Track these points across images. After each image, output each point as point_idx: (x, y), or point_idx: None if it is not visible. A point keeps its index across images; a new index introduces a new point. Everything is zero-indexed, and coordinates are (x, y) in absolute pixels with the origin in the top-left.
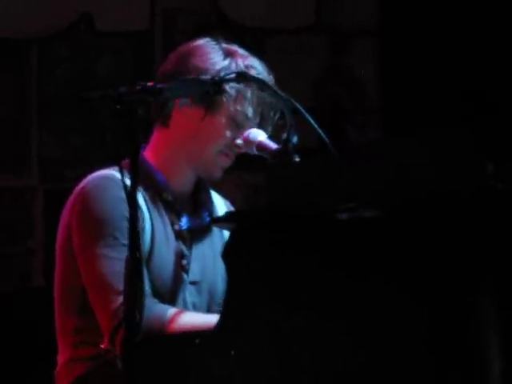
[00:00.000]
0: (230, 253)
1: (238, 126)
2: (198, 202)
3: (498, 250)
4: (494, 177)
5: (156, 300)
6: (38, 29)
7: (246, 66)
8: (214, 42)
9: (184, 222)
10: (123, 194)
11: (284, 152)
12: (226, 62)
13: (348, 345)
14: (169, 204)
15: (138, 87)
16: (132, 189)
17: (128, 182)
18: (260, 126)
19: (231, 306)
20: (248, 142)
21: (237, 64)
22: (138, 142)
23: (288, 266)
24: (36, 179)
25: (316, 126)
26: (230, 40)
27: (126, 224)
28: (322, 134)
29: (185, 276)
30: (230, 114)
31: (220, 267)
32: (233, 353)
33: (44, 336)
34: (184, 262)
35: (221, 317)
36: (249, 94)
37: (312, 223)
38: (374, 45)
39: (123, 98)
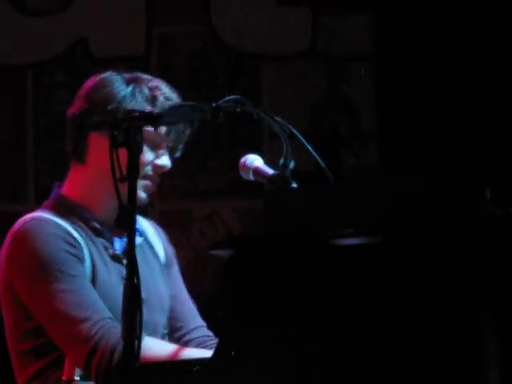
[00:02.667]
0: (228, 278)
1: (154, 146)
2: (124, 225)
3: (494, 276)
4: (493, 203)
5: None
6: (33, 54)
7: (151, 89)
8: (115, 74)
9: (117, 246)
10: (55, 230)
11: (281, 177)
12: (130, 88)
13: (346, 368)
14: (98, 232)
15: (135, 114)
16: (130, 215)
17: (59, 221)
18: (177, 142)
19: (229, 332)
20: (245, 167)
21: (140, 88)
22: (136, 167)
23: (285, 291)
24: (33, 205)
25: (312, 151)
26: (226, 65)
27: (67, 256)
28: (319, 158)
29: None
30: (144, 136)
31: (161, 283)
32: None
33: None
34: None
35: (219, 343)
36: None
37: (309, 249)
38: (370, 70)
39: (121, 124)
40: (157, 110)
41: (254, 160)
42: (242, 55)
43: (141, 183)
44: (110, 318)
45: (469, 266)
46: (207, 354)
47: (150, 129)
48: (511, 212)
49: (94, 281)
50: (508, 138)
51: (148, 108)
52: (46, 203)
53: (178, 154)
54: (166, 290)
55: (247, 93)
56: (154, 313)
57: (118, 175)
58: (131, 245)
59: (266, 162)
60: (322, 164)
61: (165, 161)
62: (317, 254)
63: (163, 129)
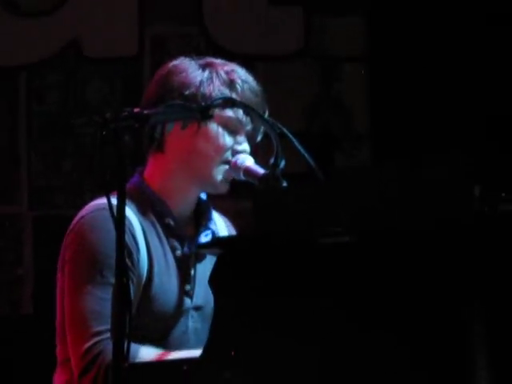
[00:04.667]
0: (216, 279)
1: (233, 131)
2: (199, 224)
3: (485, 273)
4: (482, 201)
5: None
6: (26, 55)
7: (227, 72)
8: (188, 59)
9: (187, 247)
10: None
11: (271, 177)
12: (206, 73)
13: (339, 367)
14: (170, 229)
15: (124, 113)
16: (119, 215)
17: (129, 214)
18: (255, 127)
19: (218, 332)
20: (235, 167)
21: (217, 72)
22: (124, 169)
23: (274, 291)
24: (25, 206)
25: (302, 150)
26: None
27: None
28: (309, 158)
29: (188, 301)
30: (222, 121)
31: None
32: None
33: (31, 363)
34: (188, 287)
35: (208, 343)
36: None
37: (298, 248)
38: (363, 70)
39: (109, 124)
40: (235, 94)
41: (245, 160)
42: (234, 55)
43: (221, 168)
44: None
45: (458, 263)
46: (196, 354)
47: (230, 114)
48: (499, 210)
49: (149, 283)
50: (499, 136)
51: (227, 92)
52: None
53: (258, 139)
54: None
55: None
56: (205, 323)
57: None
58: (120, 244)
59: (257, 162)
60: (312, 164)
61: (244, 146)
62: (306, 253)
63: (240, 114)
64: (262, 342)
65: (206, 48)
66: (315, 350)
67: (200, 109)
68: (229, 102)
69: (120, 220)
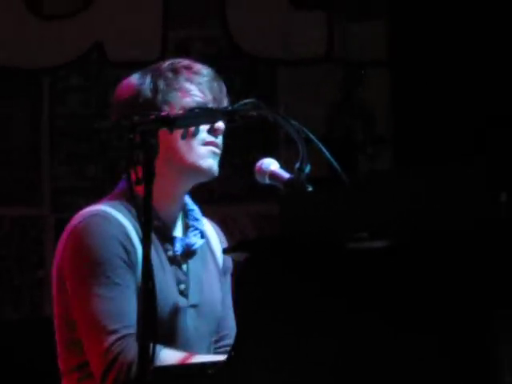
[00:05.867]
0: (243, 281)
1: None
2: (187, 224)
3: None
4: (508, 207)
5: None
6: (50, 58)
7: (173, 66)
8: (132, 74)
9: (178, 246)
10: (114, 230)
11: (296, 181)
12: (148, 78)
13: (362, 370)
14: (159, 230)
15: (151, 117)
16: (146, 217)
17: (120, 218)
18: (219, 101)
19: (244, 335)
20: (261, 171)
21: (160, 71)
22: (152, 172)
23: (300, 294)
24: (48, 208)
25: (328, 154)
26: (242, 70)
27: (118, 262)
28: (334, 162)
29: (184, 300)
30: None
31: (216, 289)
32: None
33: (52, 365)
34: (182, 286)
35: (234, 345)
36: (200, 80)
37: (323, 252)
38: (386, 75)
39: (137, 128)
40: (183, 79)
41: (270, 164)
42: (257, 60)
43: (202, 150)
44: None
45: (484, 270)
46: (219, 359)
47: (198, 97)
48: None
49: None
50: None
51: (175, 82)
52: (113, 193)
53: (225, 104)
54: (220, 296)
55: (263, 97)
56: (203, 320)
57: (133, 177)
58: (146, 249)
59: (282, 166)
60: (338, 168)
61: (219, 123)
62: (332, 257)
63: (207, 93)
64: (288, 345)
65: (229, 52)
66: (342, 352)
67: (226, 112)
68: (254, 106)
69: (146, 223)
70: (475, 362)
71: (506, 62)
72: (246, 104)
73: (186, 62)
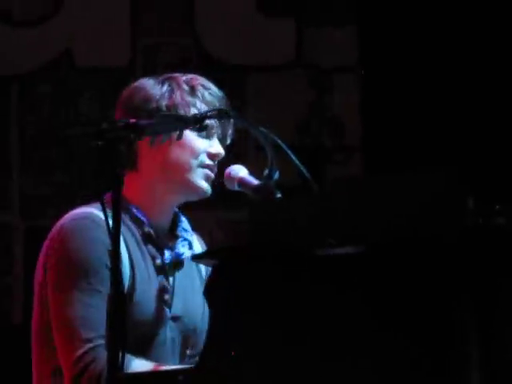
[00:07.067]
0: (211, 288)
1: (206, 135)
2: (176, 235)
3: (476, 286)
4: (475, 213)
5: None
6: (18, 66)
7: (187, 81)
8: (147, 78)
9: (167, 255)
10: (103, 236)
11: (265, 188)
12: (166, 86)
13: (333, 371)
14: (150, 238)
15: (120, 124)
16: (115, 224)
17: (110, 219)
18: (225, 129)
19: (214, 341)
20: (229, 178)
21: (178, 83)
22: (120, 179)
23: (269, 301)
24: (17, 216)
25: (297, 161)
26: (211, 77)
27: (102, 269)
28: (303, 169)
29: (167, 311)
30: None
31: (199, 302)
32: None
33: (21, 375)
34: (166, 296)
35: (203, 352)
36: (216, 103)
37: (292, 259)
38: (355, 81)
39: (105, 135)
40: (198, 100)
41: (239, 170)
42: (226, 66)
43: (199, 172)
44: None
45: (450, 276)
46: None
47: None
48: (493, 222)
49: (131, 292)
50: (493, 148)
51: (189, 99)
52: (107, 196)
53: (228, 142)
54: (202, 310)
55: (232, 104)
56: (183, 332)
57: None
58: (115, 254)
59: (251, 173)
60: (307, 175)
61: (218, 148)
62: (300, 264)
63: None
64: (257, 352)
65: (198, 59)
66: (312, 359)
67: (195, 119)
68: (223, 113)
69: (116, 230)
70: (443, 359)
71: (476, 68)
72: (215, 110)
73: (203, 80)
